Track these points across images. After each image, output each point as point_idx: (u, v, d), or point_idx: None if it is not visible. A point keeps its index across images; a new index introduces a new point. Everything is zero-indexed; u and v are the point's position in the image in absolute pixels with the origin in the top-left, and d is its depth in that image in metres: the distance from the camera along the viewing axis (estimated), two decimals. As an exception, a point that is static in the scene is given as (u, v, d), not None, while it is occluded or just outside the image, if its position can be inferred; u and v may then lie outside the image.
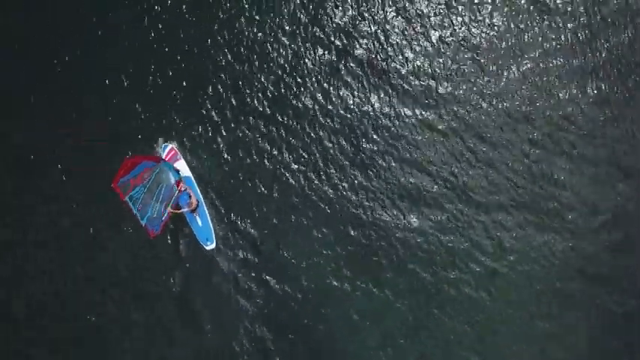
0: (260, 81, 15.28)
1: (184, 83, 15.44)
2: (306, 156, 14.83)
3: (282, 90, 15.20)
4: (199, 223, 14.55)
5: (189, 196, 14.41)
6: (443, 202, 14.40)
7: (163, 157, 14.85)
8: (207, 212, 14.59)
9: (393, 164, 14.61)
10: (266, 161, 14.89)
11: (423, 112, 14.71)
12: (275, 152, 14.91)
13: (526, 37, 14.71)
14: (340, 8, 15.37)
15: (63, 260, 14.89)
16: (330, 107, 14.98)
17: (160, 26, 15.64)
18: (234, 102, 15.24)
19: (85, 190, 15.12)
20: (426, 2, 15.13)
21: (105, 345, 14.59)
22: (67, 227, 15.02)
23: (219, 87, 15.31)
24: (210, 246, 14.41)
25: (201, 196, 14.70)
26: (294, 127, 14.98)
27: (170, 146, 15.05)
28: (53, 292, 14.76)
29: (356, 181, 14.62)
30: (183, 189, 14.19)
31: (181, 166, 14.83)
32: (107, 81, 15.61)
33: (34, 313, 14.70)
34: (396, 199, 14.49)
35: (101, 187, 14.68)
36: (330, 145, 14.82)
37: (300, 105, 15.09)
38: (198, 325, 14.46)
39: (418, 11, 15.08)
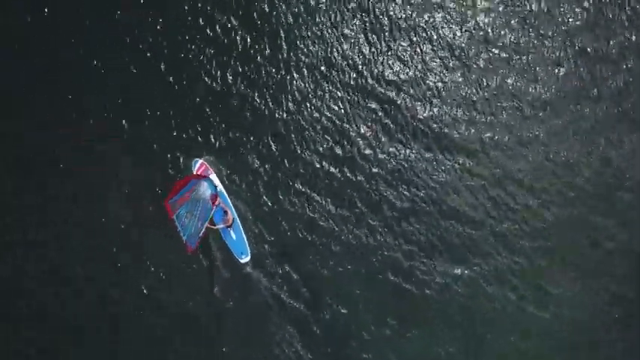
0: (299, 125, 15.43)
1: (223, 125, 15.62)
2: (345, 201, 14.92)
3: (321, 134, 15.32)
4: (233, 236, 14.76)
5: (225, 212, 14.62)
6: (482, 247, 14.41)
7: (194, 172, 15.09)
8: (240, 226, 14.80)
9: (433, 209, 14.66)
10: (306, 205, 15.01)
11: (463, 158, 14.77)
12: (315, 196, 15.02)
13: (565, 82, 14.73)
14: (378, 53, 15.49)
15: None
16: (369, 152, 15.08)
17: (203, 74, 15.86)
18: (273, 146, 15.39)
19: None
20: (466, 47, 15.20)
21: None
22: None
23: (259, 132, 15.48)
24: (245, 259, 14.66)
25: (234, 210, 14.90)
26: (333, 172, 15.09)
27: (201, 161, 15.26)
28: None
29: (395, 226, 14.68)
30: (218, 204, 14.37)
31: (214, 180, 15.03)
32: (147, 122, 15.87)
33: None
34: (435, 244, 14.53)
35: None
36: (370, 189, 14.91)
37: (339, 150, 15.21)
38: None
39: (457, 56, 15.16)
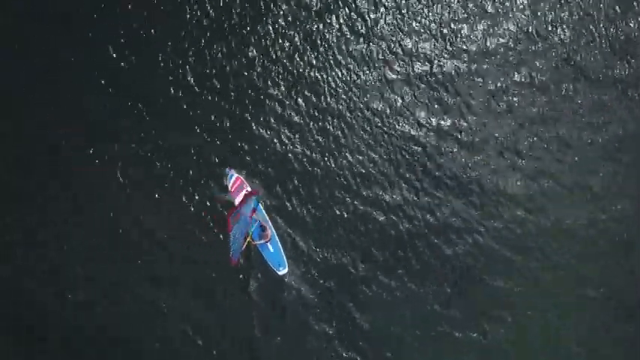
0: (341, 168, 15.43)
1: (264, 167, 15.56)
2: (389, 246, 14.84)
3: (363, 179, 15.33)
4: (270, 249, 14.70)
5: (263, 228, 14.64)
6: (529, 296, 14.36)
7: (230, 186, 15.00)
8: (277, 238, 14.77)
9: (478, 255, 14.65)
10: (349, 249, 14.84)
11: (509, 205, 14.79)
12: (358, 241, 14.91)
13: (613, 128, 14.76)
14: (420, 98, 15.60)
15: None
16: (415, 199, 15.06)
17: (247, 115, 15.92)
18: (316, 190, 15.38)
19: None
20: (508, 92, 15.22)
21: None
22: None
23: (301, 176, 15.47)
24: (283, 271, 14.56)
25: (270, 223, 14.87)
26: (375, 217, 15.03)
27: (236, 175, 15.19)
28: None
29: (439, 273, 14.61)
30: (255, 218, 14.43)
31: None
32: (188, 162, 15.72)
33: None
34: (479, 292, 14.50)
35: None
36: (414, 235, 14.88)
37: (381, 194, 15.20)
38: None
39: (502, 100, 15.23)
